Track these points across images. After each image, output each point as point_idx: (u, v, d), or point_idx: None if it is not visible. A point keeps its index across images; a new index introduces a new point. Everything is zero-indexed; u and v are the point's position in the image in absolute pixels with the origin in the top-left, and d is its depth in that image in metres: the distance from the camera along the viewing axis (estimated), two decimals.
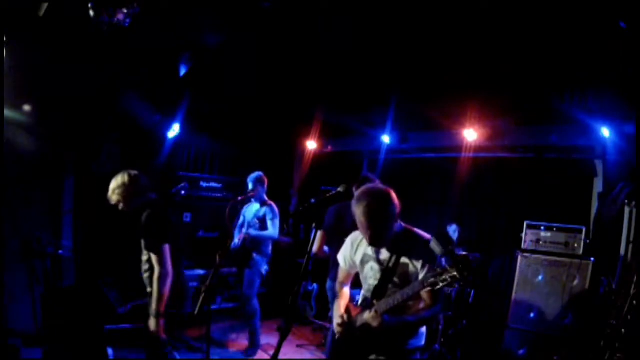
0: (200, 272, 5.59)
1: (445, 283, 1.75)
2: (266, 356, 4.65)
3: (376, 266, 2.25)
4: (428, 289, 1.87)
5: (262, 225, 4.69)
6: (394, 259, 2.15)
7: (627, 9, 2.70)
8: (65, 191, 4.81)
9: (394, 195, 2.12)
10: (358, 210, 2.07)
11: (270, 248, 4.81)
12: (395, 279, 2.15)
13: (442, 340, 4.32)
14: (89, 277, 4.61)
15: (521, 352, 4.13)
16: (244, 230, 4.84)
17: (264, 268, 4.75)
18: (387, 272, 2.17)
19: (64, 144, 4.69)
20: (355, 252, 2.38)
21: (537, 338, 4.08)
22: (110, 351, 3.99)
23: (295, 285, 1.95)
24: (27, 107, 4.26)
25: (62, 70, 4.16)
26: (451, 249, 1.80)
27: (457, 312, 4.51)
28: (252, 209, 4.87)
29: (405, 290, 1.98)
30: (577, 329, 3.86)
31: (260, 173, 4.85)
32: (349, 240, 2.45)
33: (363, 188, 2.15)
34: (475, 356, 4.57)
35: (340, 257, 2.50)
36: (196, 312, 2.67)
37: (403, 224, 2.23)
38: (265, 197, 4.81)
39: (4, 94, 3.14)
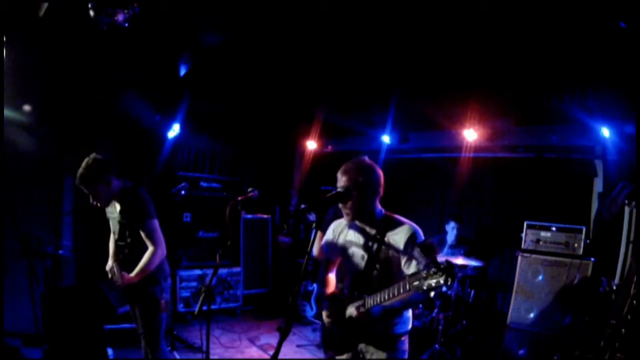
0: (200, 272, 5.60)
1: (429, 287, 1.83)
2: (266, 356, 4.65)
3: (358, 252, 2.30)
4: (413, 289, 1.93)
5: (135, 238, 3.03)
6: (376, 244, 2.22)
7: (627, 9, 2.70)
8: (65, 191, 4.81)
9: (378, 169, 2.23)
10: (343, 177, 2.17)
11: (166, 264, 3.15)
12: (378, 265, 2.22)
13: (442, 340, 4.32)
14: (89, 277, 4.61)
15: (521, 352, 4.13)
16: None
17: (164, 298, 3.11)
18: (370, 258, 2.23)
19: (64, 144, 4.69)
20: (338, 238, 2.43)
21: (537, 338, 4.08)
22: (110, 351, 3.99)
23: (295, 285, 1.98)
24: (27, 107, 4.26)
25: (62, 70, 4.16)
26: (434, 257, 1.88)
27: (457, 312, 4.52)
28: (114, 211, 3.15)
29: (392, 290, 2.04)
30: (577, 329, 3.87)
31: (95, 155, 2.98)
32: (331, 228, 2.50)
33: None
34: (475, 356, 4.56)
35: (323, 244, 2.55)
36: (196, 312, 2.67)
37: (384, 211, 2.30)
38: (118, 187, 3.03)
39: (4, 94, 3.14)
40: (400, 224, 2.22)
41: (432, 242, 1.98)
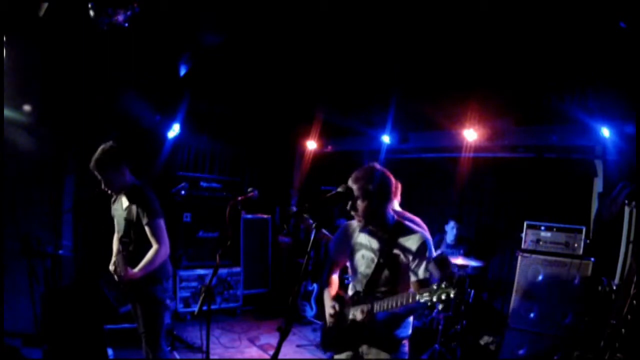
0: (200, 272, 5.61)
1: (439, 299, 1.84)
2: (266, 356, 4.65)
3: (368, 254, 2.30)
4: (418, 294, 1.94)
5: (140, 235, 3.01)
6: (386, 249, 2.23)
7: (627, 9, 2.70)
8: (65, 191, 4.82)
9: (388, 175, 2.24)
10: (354, 185, 2.17)
11: (168, 264, 3.17)
12: (387, 270, 2.23)
13: (442, 340, 4.32)
14: (89, 277, 4.61)
15: (521, 352, 4.13)
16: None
17: (167, 300, 3.12)
18: (380, 263, 2.24)
19: (64, 144, 4.69)
20: (347, 240, 2.43)
21: (537, 338, 4.08)
22: (110, 351, 3.99)
23: (295, 285, 1.98)
24: (27, 107, 4.26)
25: (62, 70, 4.16)
26: (449, 274, 1.88)
27: (457, 312, 4.51)
28: (119, 208, 3.15)
29: (400, 298, 2.05)
30: (577, 329, 3.87)
31: (112, 143, 3.01)
32: (341, 229, 2.50)
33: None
34: (475, 356, 4.56)
35: (330, 244, 2.55)
36: (196, 312, 2.67)
37: (396, 217, 2.31)
38: (129, 181, 3.09)
39: (4, 94, 3.14)
40: (412, 232, 2.23)
41: (446, 256, 1.99)
